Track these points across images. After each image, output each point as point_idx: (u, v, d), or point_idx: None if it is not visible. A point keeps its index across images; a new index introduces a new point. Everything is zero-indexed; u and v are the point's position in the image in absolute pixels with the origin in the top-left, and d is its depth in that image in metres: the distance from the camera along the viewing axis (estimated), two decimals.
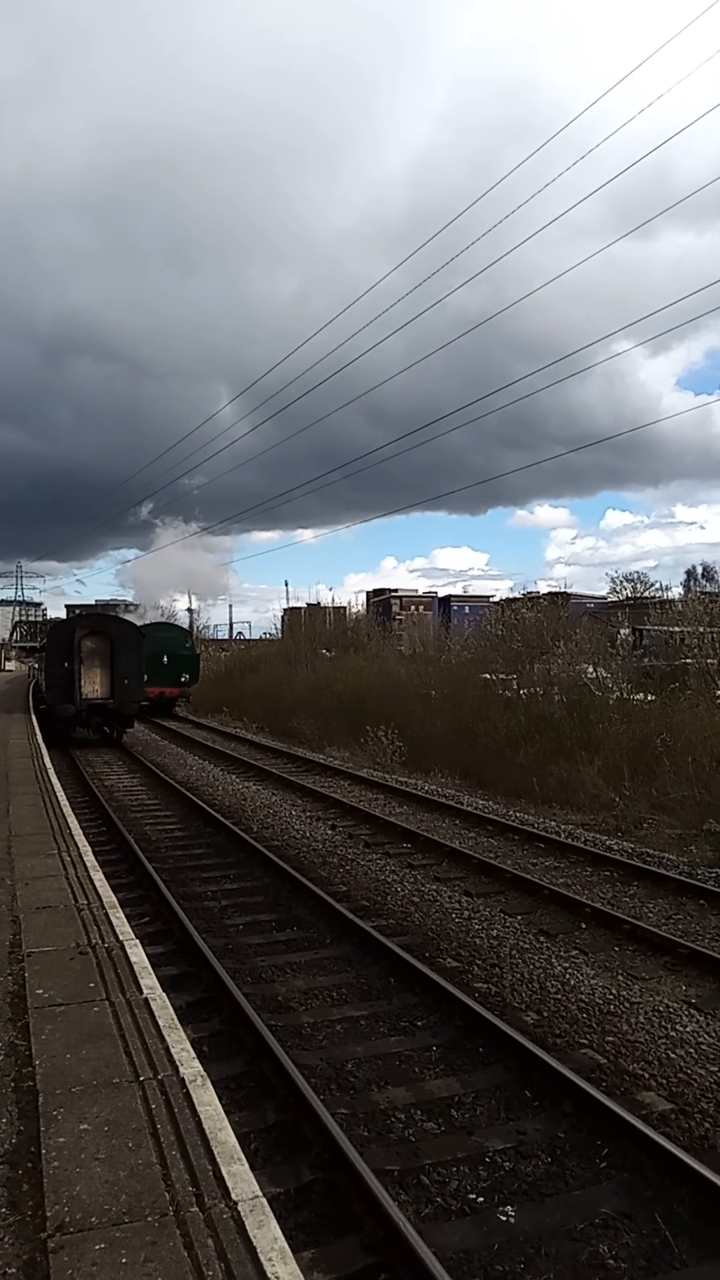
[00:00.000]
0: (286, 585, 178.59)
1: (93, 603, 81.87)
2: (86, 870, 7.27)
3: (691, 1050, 5.85)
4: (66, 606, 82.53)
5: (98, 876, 7.09)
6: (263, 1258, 2.53)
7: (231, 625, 74.01)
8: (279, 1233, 2.68)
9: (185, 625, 43.21)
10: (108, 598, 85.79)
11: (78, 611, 53.18)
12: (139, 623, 31.35)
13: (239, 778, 18.24)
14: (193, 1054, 3.91)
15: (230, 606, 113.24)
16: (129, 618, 35.38)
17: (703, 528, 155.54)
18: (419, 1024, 6.30)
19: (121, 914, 6.11)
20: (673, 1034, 6.09)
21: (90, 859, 7.74)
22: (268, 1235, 2.64)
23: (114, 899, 6.47)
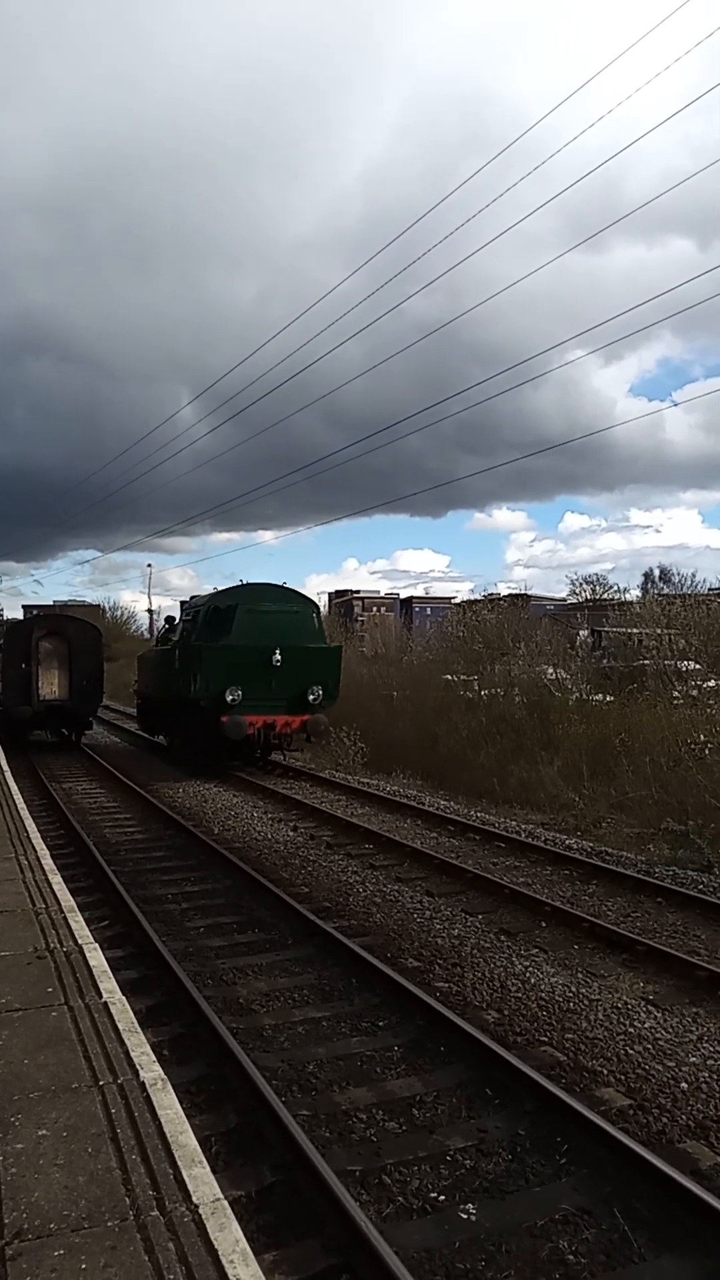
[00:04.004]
0: None
1: (50, 603, 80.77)
2: (45, 874, 7.16)
3: (649, 1046, 5.93)
4: (24, 607, 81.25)
5: (56, 880, 6.99)
6: (224, 1260, 2.52)
7: None
8: (240, 1235, 2.66)
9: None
10: (65, 598, 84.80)
11: (35, 612, 52.31)
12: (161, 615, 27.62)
13: (199, 780, 18.10)
14: (153, 1058, 3.88)
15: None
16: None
17: (658, 531, 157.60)
18: (381, 1024, 6.31)
19: (80, 918, 6.03)
20: (631, 1030, 6.17)
21: (49, 863, 7.63)
22: (229, 1237, 2.63)
23: (73, 903, 6.39)
